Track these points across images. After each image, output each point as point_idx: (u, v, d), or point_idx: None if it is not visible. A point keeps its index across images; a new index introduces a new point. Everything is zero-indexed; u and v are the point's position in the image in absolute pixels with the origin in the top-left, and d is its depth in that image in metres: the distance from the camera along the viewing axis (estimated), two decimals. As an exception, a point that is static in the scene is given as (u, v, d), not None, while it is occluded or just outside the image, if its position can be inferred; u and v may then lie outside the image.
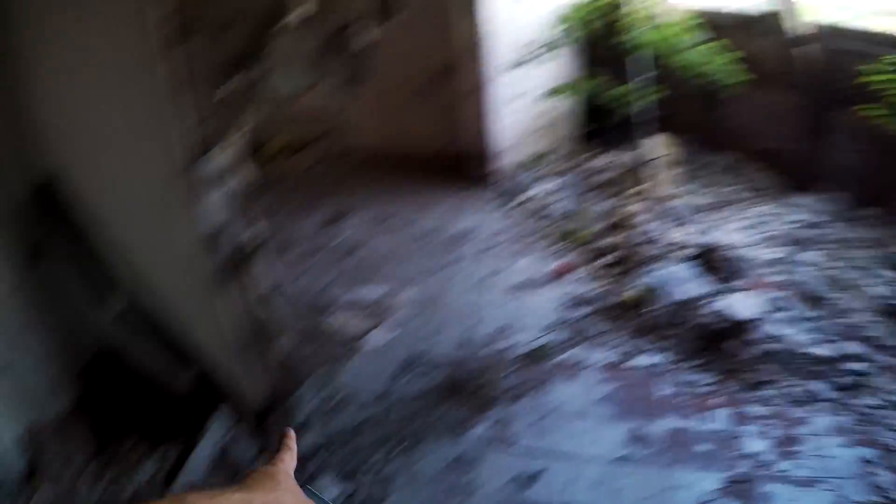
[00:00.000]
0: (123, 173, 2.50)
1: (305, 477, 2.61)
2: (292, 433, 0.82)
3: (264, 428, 2.74)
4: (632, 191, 4.32)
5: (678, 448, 2.63)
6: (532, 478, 2.54)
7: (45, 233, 2.72)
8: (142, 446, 2.82)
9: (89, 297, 2.86)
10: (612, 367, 3.09)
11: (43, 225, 2.71)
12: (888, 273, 3.32)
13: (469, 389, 2.99)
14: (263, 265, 2.53)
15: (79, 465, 2.77)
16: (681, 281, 3.39)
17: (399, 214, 4.66)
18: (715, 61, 3.90)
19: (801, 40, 4.02)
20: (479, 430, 2.78)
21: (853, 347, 2.92)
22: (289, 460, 0.77)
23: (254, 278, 2.51)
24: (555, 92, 4.60)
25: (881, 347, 2.91)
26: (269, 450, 0.80)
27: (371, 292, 3.77)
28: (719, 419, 2.73)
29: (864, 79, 3.26)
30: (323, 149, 5.61)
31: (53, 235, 2.68)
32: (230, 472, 2.63)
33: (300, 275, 2.63)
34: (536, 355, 3.17)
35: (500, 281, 3.81)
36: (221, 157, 2.32)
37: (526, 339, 3.30)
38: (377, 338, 3.42)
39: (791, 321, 3.11)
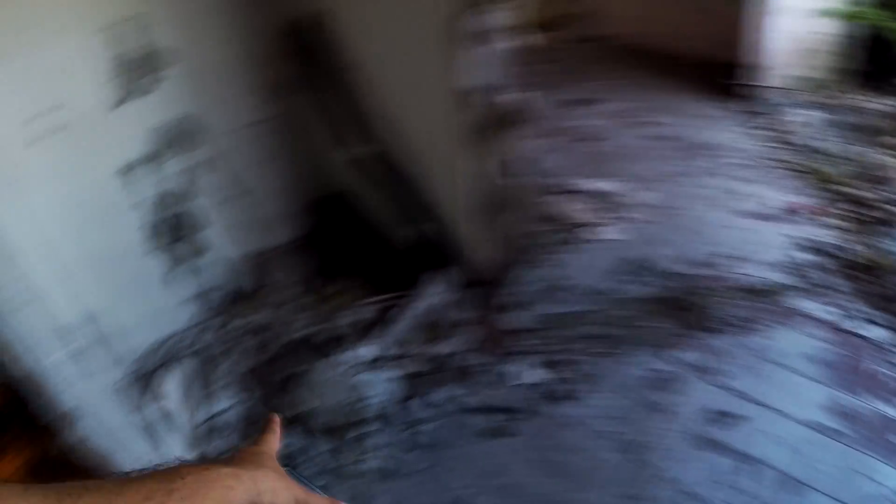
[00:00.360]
0: (390, 19, 2.54)
1: (506, 356, 2.83)
2: (277, 418, 0.83)
3: (478, 297, 2.91)
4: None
5: (881, 434, 2.58)
6: (725, 417, 2.59)
7: (296, 70, 2.82)
8: (356, 289, 3.10)
9: (331, 137, 3.04)
10: (830, 326, 2.98)
11: (295, 62, 2.81)
12: None
13: (683, 307, 3.01)
14: (512, 134, 2.53)
15: (295, 295, 3.11)
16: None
17: (641, 112, 4.51)
18: None
19: None
20: (685, 352, 2.83)
21: None
22: (273, 443, 0.79)
23: (502, 145, 2.52)
24: (836, 14, 4.00)
25: None
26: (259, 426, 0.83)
27: (603, 185, 3.77)
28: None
29: None
30: (576, 30, 5.33)
31: (305, 73, 2.78)
32: (433, 335, 2.86)
33: (538, 152, 2.62)
34: (756, 291, 3.10)
35: (733, 202, 3.66)
36: (490, 15, 2.26)
37: (749, 270, 3.21)
38: (602, 232, 3.46)
39: None
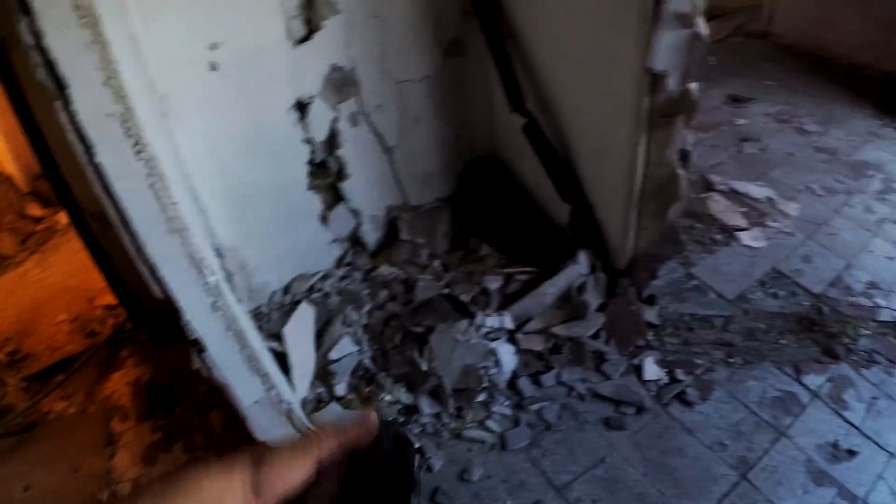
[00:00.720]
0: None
1: (632, 349, 2.75)
2: (374, 416, 0.77)
3: (619, 285, 2.83)
4: None
5: None
6: (843, 454, 2.42)
7: (467, 31, 2.77)
8: (498, 256, 3.08)
9: (496, 101, 2.99)
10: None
11: (468, 24, 2.77)
12: None
13: (818, 330, 2.83)
14: (687, 124, 2.41)
15: (436, 253, 3.12)
16: None
17: (804, 119, 4.21)
18: None
19: None
20: (816, 378, 2.66)
21: None
22: (355, 434, 0.75)
23: (676, 134, 2.41)
24: None
25: None
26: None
27: (755, 190, 3.58)
28: None
29: None
30: (739, 23, 5.04)
31: (475, 36, 2.73)
32: (566, 315, 2.81)
33: (693, 146, 2.49)
34: (898, 329, 2.87)
35: (886, 228, 3.38)
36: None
37: (893, 304, 2.96)
38: (750, 238, 3.28)
39: None
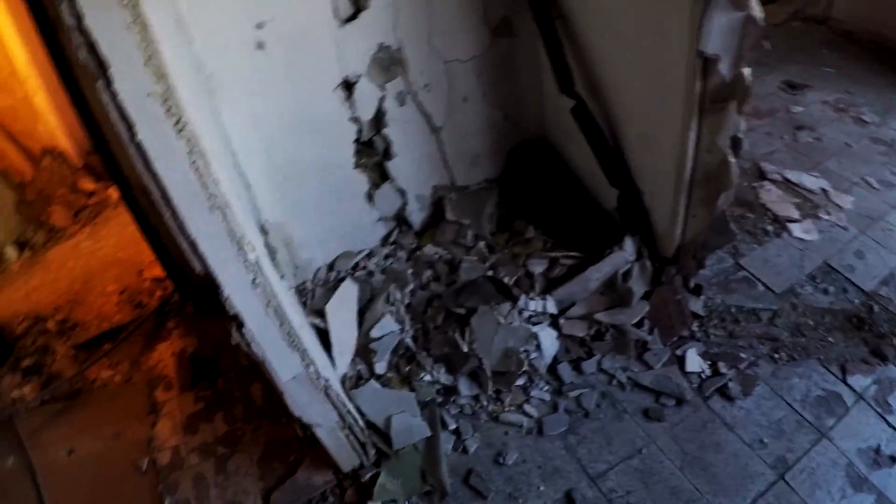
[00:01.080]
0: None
1: (675, 339, 2.70)
2: None
3: (665, 273, 2.78)
4: None
5: None
6: (885, 459, 2.34)
7: (519, 11, 2.73)
8: (543, 240, 3.05)
9: (542, 84, 2.94)
10: None
11: (519, 3, 2.73)
12: None
13: (868, 329, 2.74)
14: (738, 109, 2.34)
15: (481, 235, 3.09)
16: None
17: (862, 108, 4.03)
18: None
19: None
20: (862, 379, 2.58)
21: None
22: None
23: (728, 120, 2.34)
24: None
25: None
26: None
27: (809, 180, 3.46)
28: None
29: None
30: (798, 10, 4.85)
31: (531, 15, 2.69)
32: (611, 301, 2.77)
33: (746, 133, 2.41)
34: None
35: None
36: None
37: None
38: (801, 230, 3.18)
39: None
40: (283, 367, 2.03)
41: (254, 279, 1.83)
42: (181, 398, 2.87)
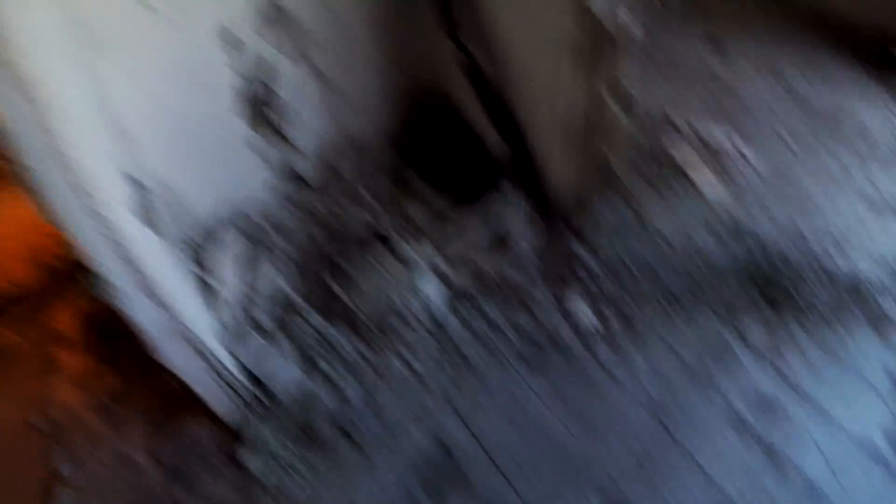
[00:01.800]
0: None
1: (562, 290, 2.71)
2: None
3: (552, 223, 2.78)
4: None
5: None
6: (772, 409, 2.40)
7: None
8: (430, 191, 3.03)
9: (438, 36, 2.90)
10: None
11: None
12: None
13: (765, 283, 2.76)
14: (628, 59, 2.32)
15: (368, 188, 3.07)
16: None
17: (783, 64, 3.98)
18: None
19: None
20: (752, 329, 2.62)
21: None
22: None
23: (616, 69, 2.33)
24: None
25: None
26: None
27: (715, 133, 3.43)
28: None
29: None
30: None
31: None
32: (496, 251, 2.79)
33: (652, 83, 2.39)
34: (851, 286, 2.78)
35: (854, 186, 3.23)
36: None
37: (849, 262, 2.87)
38: (706, 183, 3.19)
39: None
40: (150, 321, 2.02)
41: (106, 231, 1.81)
42: (80, 357, 2.86)
